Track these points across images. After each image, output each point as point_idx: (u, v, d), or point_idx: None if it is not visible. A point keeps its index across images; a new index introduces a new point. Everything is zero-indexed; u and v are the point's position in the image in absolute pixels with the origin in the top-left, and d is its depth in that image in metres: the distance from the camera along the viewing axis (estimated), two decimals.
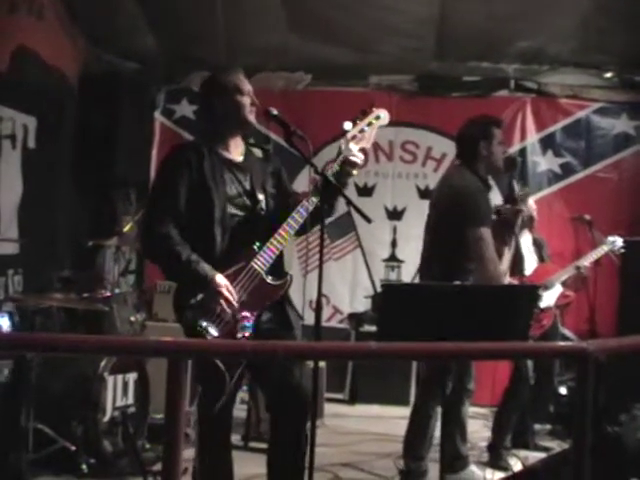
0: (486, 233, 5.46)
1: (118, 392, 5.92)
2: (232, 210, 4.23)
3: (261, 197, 4.33)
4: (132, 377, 6.07)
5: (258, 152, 4.53)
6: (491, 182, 6.00)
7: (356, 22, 8.59)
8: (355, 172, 4.28)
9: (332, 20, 8.60)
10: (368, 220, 4.06)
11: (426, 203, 6.08)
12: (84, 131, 8.84)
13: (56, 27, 8.14)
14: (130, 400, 6.04)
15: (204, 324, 4.00)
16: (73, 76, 8.74)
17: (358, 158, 4.26)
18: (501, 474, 5.92)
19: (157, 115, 10.18)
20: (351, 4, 8.41)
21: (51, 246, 8.11)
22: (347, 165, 4.23)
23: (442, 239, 5.68)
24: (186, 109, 10.06)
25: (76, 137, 8.80)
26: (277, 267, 4.25)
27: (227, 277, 4.08)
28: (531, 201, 6.96)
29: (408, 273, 9.56)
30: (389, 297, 4.01)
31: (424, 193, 9.62)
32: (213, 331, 4.00)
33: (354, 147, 4.28)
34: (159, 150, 9.91)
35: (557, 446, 6.82)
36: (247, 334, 4.06)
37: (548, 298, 6.79)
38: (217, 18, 8.69)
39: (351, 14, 8.47)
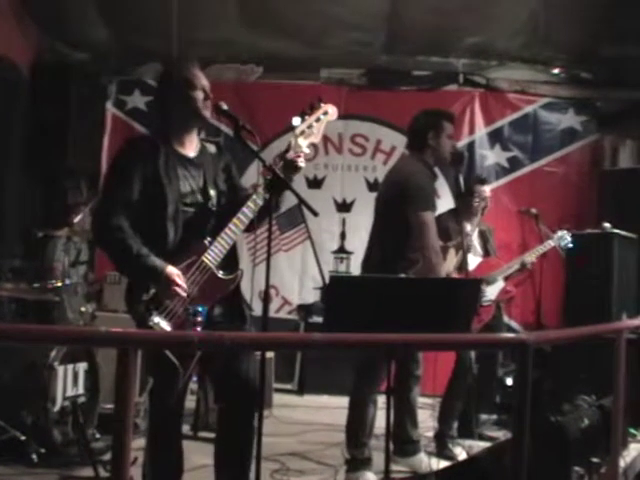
0: (429, 218, 5.55)
1: (68, 382, 5.91)
2: (184, 207, 4.21)
3: (212, 193, 4.32)
4: (82, 367, 6.06)
5: (211, 147, 4.50)
6: (438, 174, 6.14)
7: (307, 16, 8.66)
8: (302, 164, 4.28)
9: (283, 13, 8.64)
10: (315, 214, 4.08)
11: (375, 196, 6.14)
12: (35, 120, 8.81)
13: (7, 16, 8.12)
14: (80, 390, 6.03)
15: (156, 319, 3.98)
16: (24, 66, 8.72)
17: (301, 157, 4.26)
18: (446, 463, 6.00)
19: (109, 106, 10.16)
20: None
21: (1, 236, 8.07)
22: (291, 164, 4.23)
23: (386, 225, 5.76)
24: (138, 100, 10.05)
25: (27, 126, 8.77)
26: (229, 261, 4.25)
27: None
28: (487, 190, 7.09)
29: (357, 265, 9.52)
30: (335, 289, 4.06)
31: (373, 186, 9.71)
32: (165, 326, 3.99)
33: (303, 142, 4.30)
34: (110, 141, 9.92)
35: (503, 436, 6.90)
36: (199, 329, 4.03)
37: (489, 293, 6.85)
38: (169, 10, 8.69)
39: (302, 8, 8.54)
